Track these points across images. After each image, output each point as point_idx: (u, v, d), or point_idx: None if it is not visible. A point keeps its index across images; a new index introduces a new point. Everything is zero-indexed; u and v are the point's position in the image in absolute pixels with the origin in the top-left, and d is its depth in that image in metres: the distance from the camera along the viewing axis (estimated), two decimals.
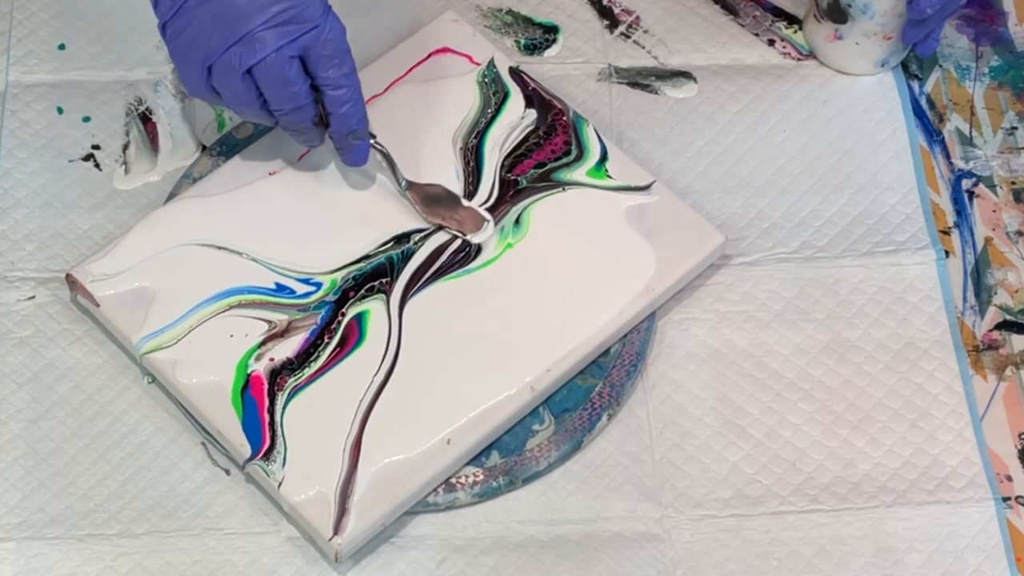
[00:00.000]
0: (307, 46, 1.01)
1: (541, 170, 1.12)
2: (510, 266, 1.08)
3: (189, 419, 1.04)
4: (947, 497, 1.03)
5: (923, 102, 1.19)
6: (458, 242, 1.08)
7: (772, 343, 1.09)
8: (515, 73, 1.16)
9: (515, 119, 1.14)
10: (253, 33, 0.99)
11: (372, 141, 1.07)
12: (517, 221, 1.10)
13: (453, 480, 1.02)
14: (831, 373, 1.08)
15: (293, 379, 1.03)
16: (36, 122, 1.15)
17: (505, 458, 1.03)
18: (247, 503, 1.02)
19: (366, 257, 1.08)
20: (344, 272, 1.07)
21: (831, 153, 1.17)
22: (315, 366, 1.04)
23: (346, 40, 1.02)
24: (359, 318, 1.06)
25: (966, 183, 1.16)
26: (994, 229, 1.14)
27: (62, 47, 1.18)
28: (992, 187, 1.16)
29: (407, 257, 1.08)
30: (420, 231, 1.09)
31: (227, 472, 1.03)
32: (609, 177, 1.12)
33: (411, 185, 1.09)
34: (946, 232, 1.14)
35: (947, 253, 1.13)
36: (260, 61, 1.00)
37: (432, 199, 1.09)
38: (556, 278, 1.07)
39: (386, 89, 1.15)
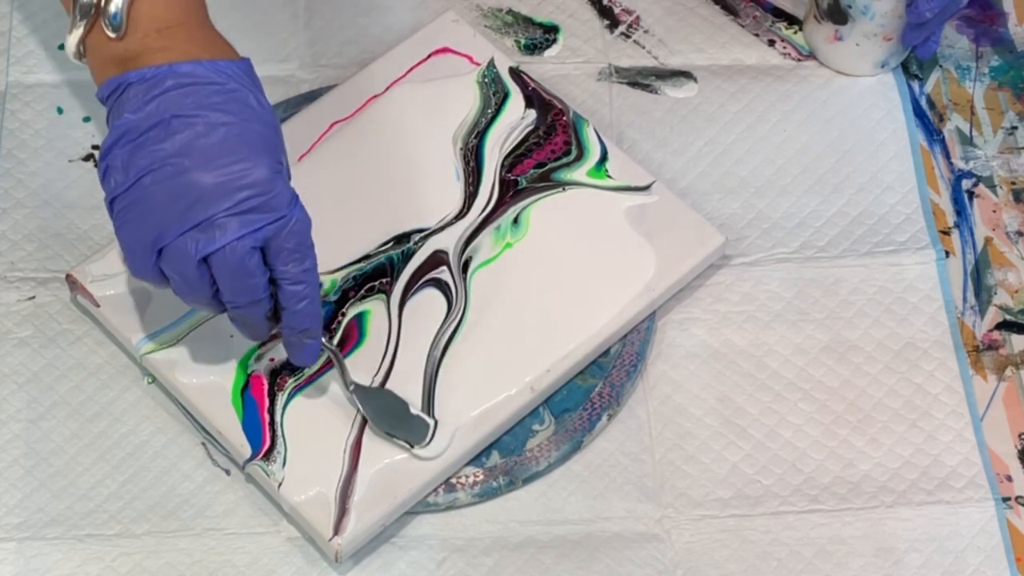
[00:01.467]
0: (270, 237, 0.92)
1: (541, 170, 1.12)
2: (509, 266, 1.08)
3: (189, 419, 1.04)
4: (947, 497, 1.03)
5: (923, 102, 1.19)
6: (461, 243, 1.08)
7: (772, 343, 1.09)
8: (515, 73, 1.16)
9: (515, 119, 1.14)
10: (215, 219, 0.91)
11: (323, 340, 0.99)
12: (516, 221, 1.10)
13: (453, 480, 1.02)
14: (831, 373, 1.08)
15: (293, 379, 1.03)
16: (36, 122, 1.15)
17: (505, 458, 1.03)
18: (247, 503, 1.02)
19: (366, 257, 1.08)
20: (344, 272, 1.07)
21: (831, 153, 1.17)
22: (315, 366, 1.03)
23: (310, 234, 0.94)
24: (359, 318, 1.06)
25: (966, 183, 1.16)
26: (994, 229, 1.14)
27: (62, 47, 1.18)
28: (992, 187, 1.16)
29: (407, 257, 1.08)
30: (420, 231, 1.09)
31: (227, 472, 1.03)
32: (609, 177, 1.12)
33: (358, 389, 1.02)
34: (946, 232, 1.14)
35: (947, 253, 1.13)
36: (219, 249, 0.91)
37: (380, 404, 1.02)
38: (556, 278, 1.07)
39: (386, 89, 1.15)
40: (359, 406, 1.01)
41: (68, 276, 1.07)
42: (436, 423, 1.01)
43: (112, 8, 0.93)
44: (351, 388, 1.01)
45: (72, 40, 0.95)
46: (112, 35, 0.94)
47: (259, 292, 0.94)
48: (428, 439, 1.01)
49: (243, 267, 0.92)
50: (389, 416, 1.01)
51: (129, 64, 0.93)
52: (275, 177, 0.92)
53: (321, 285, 0.99)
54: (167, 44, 0.94)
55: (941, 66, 1.21)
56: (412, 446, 1.00)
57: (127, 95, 0.93)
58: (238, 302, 0.94)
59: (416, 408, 1.02)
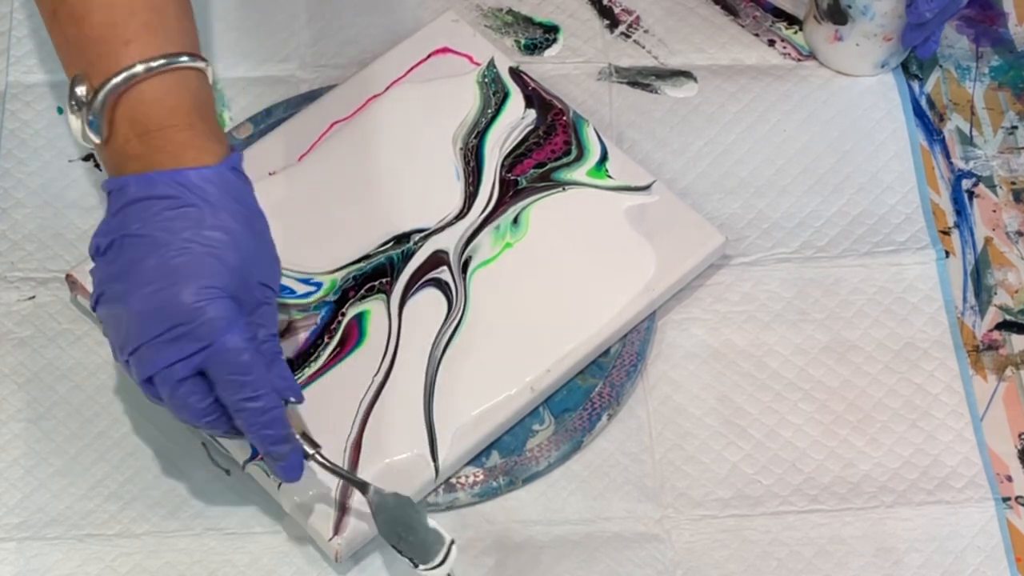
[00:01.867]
0: (202, 365, 0.89)
1: (541, 170, 1.12)
2: (509, 266, 1.08)
3: None
4: (947, 497, 1.03)
5: (923, 102, 1.19)
6: (461, 243, 1.08)
7: (772, 343, 1.09)
8: (515, 73, 1.16)
9: (515, 119, 1.14)
10: (144, 346, 0.89)
11: (319, 456, 0.96)
12: (516, 221, 1.10)
13: (453, 480, 1.02)
14: (831, 373, 1.08)
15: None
16: (36, 122, 1.15)
17: (505, 458, 1.03)
18: (247, 503, 1.02)
19: (366, 257, 1.08)
20: (344, 272, 1.07)
21: (831, 153, 1.17)
22: (315, 366, 1.04)
23: (247, 364, 0.90)
24: (359, 318, 1.06)
25: (966, 183, 1.16)
26: (994, 229, 1.14)
27: None
28: (992, 187, 1.16)
29: (407, 257, 1.08)
30: (420, 231, 1.09)
31: (227, 472, 1.03)
32: (609, 177, 1.12)
33: (376, 493, 0.97)
34: (946, 232, 1.14)
35: (947, 253, 1.13)
36: (154, 375, 0.90)
37: (394, 513, 0.96)
38: (556, 278, 1.07)
39: (386, 89, 1.15)
40: (371, 512, 0.97)
41: (68, 276, 1.07)
42: (452, 541, 0.96)
43: (91, 114, 0.91)
44: (369, 491, 0.97)
45: (75, 127, 0.93)
46: (96, 140, 0.92)
47: (202, 416, 0.92)
48: (439, 560, 0.95)
49: (176, 393, 0.91)
50: (401, 526, 0.96)
51: (119, 168, 0.92)
52: (201, 305, 0.88)
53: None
54: (142, 152, 0.91)
55: (941, 66, 1.21)
56: (416, 565, 0.95)
57: (109, 202, 0.92)
58: (188, 422, 0.93)
59: (435, 521, 0.97)
